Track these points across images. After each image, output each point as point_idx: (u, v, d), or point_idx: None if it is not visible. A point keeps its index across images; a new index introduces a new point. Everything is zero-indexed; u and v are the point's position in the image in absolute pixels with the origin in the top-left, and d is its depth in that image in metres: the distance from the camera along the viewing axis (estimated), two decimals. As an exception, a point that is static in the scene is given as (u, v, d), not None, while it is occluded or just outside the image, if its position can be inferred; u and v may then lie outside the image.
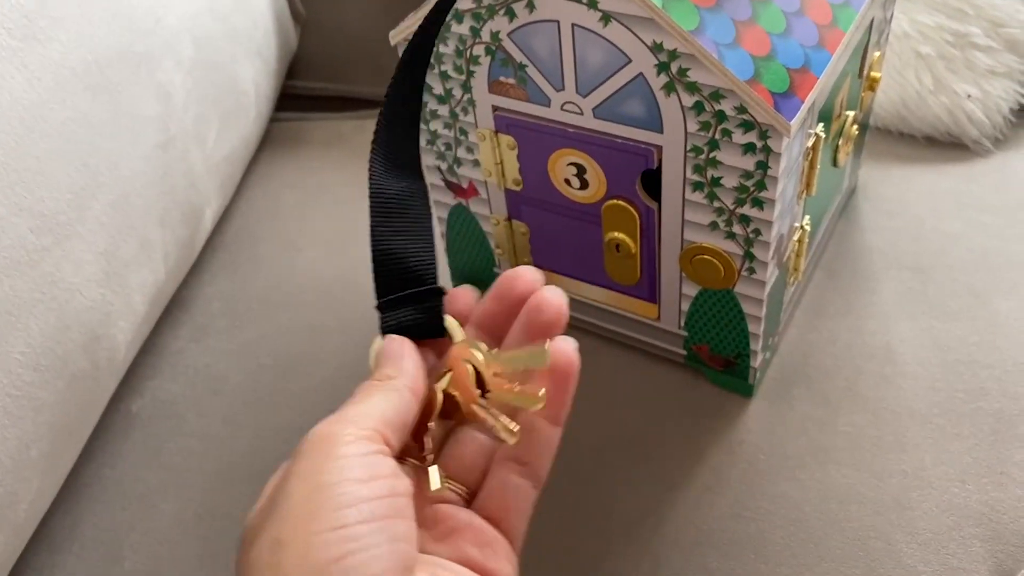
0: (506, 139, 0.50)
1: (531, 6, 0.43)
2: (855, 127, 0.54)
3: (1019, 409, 0.51)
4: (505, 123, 0.49)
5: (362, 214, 0.70)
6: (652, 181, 0.47)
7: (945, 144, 0.68)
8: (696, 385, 0.55)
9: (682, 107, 0.42)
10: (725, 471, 0.50)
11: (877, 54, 0.56)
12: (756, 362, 0.52)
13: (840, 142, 0.53)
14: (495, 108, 0.49)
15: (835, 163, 0.54)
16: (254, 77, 0.73)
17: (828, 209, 0.58)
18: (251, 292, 0.65)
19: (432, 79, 0.50)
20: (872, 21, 0.52)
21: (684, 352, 0.55)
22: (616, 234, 0.50)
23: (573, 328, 0.58)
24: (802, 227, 0.50)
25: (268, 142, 0.80)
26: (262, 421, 0.57)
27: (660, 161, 0.45)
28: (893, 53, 0.68)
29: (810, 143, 0.46)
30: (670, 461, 0.51)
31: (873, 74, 0.56)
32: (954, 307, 0.56)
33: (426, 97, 0.51)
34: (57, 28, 0.50)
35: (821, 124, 0.46)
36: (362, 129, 0.80)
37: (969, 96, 0.66)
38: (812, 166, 0.47)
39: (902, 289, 0.58)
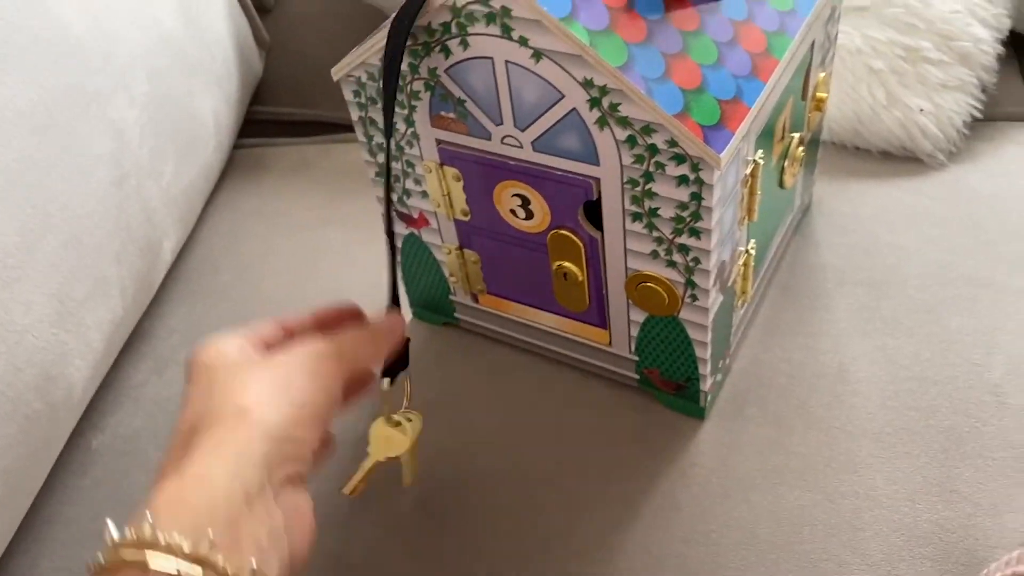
0: (451, 171, 0.50)
1: (465, 43, 0.43)
2: (801, 148, 0.54)
3: (969, 426, 0.51)
4: (449, 156, 0.49)
5: (323, 240, 0.71)
6: (594, 211, 0.47)
7: (900, 158, 0.68)
8: (650, 408, 0.55)
9: (616, 141, 0.42)
10: (678, 494, 0.50)
11: (823, 74, 0.56)
12: (706, 386, 0.52)
13: (786, 164, 0.53)
14: (439, 141, 0.49)
15: (782, 185, 0.54)
16: (213, 107, 0.73)
17: (777, 229, 0.58)
18: (212, 322, 0.65)
19: (375, 113, 0.50)
20: (814, 43, 0.52)
21: (636, 376, 0.55)
22: (563, 263, 0.51)
23: (529, 353, 0.58)
24: (747, 251, 0.51)
25: (232, 169, 0.80)
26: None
27: (599, 192, 0.45)
28: (846, 68, 0.68)
29: (748, 170, 0.46)
30: (623, 485, 0.51)
31: (819, 94, 0.56)
32: (907, 323, 0.57)
33: (371, 131, 0.51)
34: (3, 71, 0.50)
35: (760, 151, 0.47)
36: (327, 154, 0.80)
37: (922, 110, 0.66)
38: (752, 192, 0.47)
39: (855, 306, 0.58)
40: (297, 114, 0.87)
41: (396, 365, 0.48)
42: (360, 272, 0.66)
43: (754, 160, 0.46)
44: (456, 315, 0.60)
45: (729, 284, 0.50)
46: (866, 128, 0.68)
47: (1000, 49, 0.70)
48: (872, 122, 0.67)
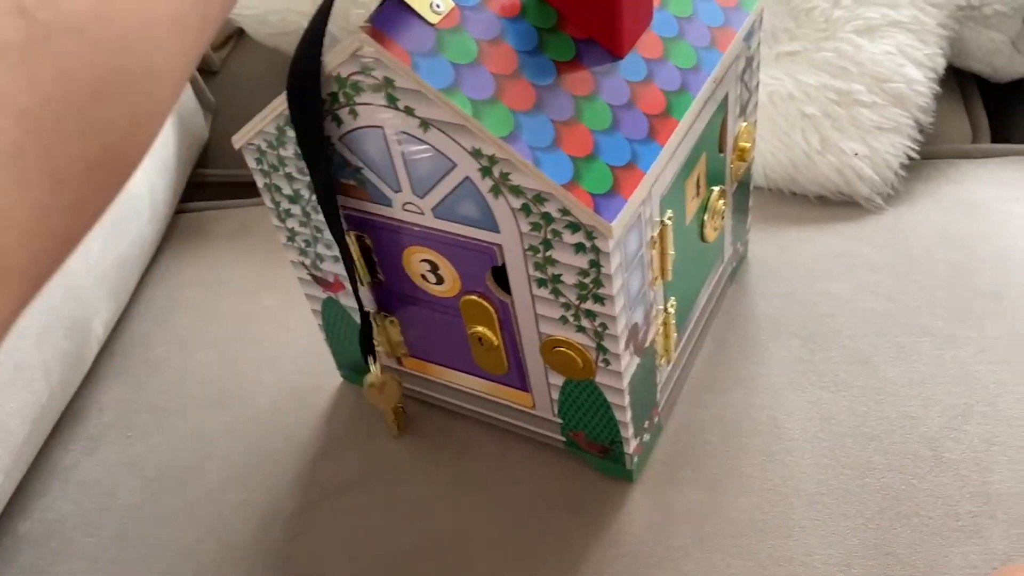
0: (359, 237, 0.49)
1: (354, 113, 0.42)
2: (723, 201, 0.53)
3: (905, 483, 0.50)
4: (355, 222, 0.48)
5: (258, 307, 0.70)
6: (502, 275, 0.46)
7: (837, 202, 0.67)
8: (578, 473, 0.53)
9: (511, 208, 0.41)
10: (607, 566, 0.49)
11: (744, 124, 0.55)
12: (630, 448, 0.50)
13: (706, 218, 0.52)
14: (343, 207, 0.48)
15: (703, 239, 0.53)
16: (148, 181, 0.72)
17: (705, 283, 0.57)
18: (143, 400, 0.64)
19: (279, 180, 0.49)
20: (727, 96, 0.51)
21: (563, 439, 0.53)
22: (477, 328, 0.49)
23: (455, 415, 0.57)
24: (666, 310, 0.49)
25: (174, 235, 0.79)
26: (149, 537, 0.56)
27: (503, 258, 0.44)
28: (779, 114, 0.67)
29: (655, 232, 0.45)
30: (550, 557, 0.50)
31: (742, 144, 0.55)
32: (842, 376, 0.55)
33: (278, 196, 0.50)
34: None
35: (669, 210, 0.46)
36: (267, 216, 0.79)
37: (856, 154, 0.65)
38: (663, 253, 0.46)
39: (790, 358, 0.57)
40: (243, 175, 0.86)
41: None
42: (294, 338, 0.65)
43: (661, 221, 0.45)
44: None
45: (647, 345, 0.48)
46: (801, 174, 0.67)
47: (936, 88, 0.69)
48: (807, 168, 0.67)
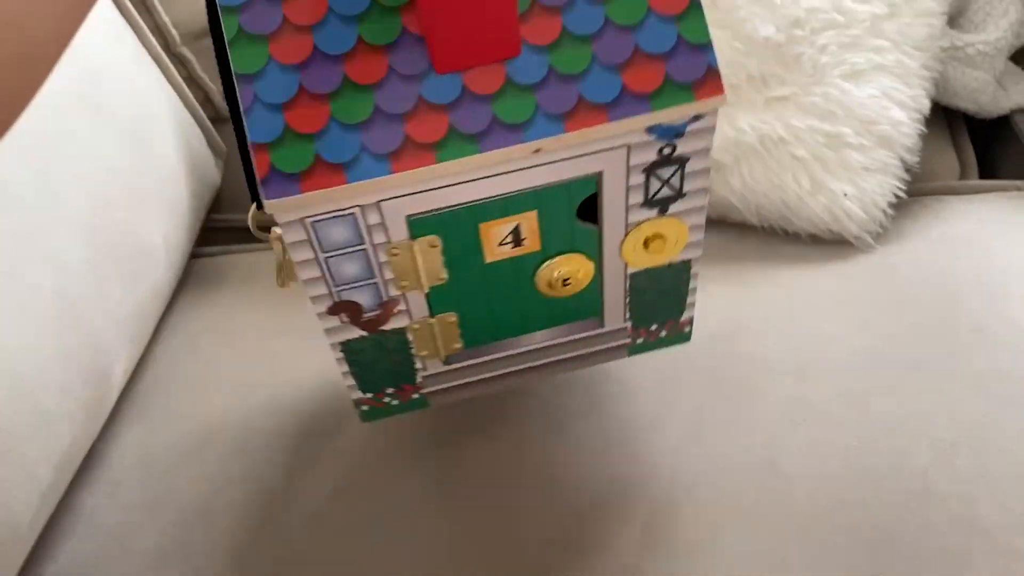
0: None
1: None
2: (561, 270, 0.50)
3: (897, 518, 0.52)
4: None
5: (273, 351, 0.72)
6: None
7: (828, 241, 0.70)
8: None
9: None
10: (612, 602, 0.51)
11: (656, 218, 0.48)
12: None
13: (539, 273, 0.50)
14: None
15: (535, 288, 0.51)
16: (163, 230, 0.75)
17: (539, 326, 0.54)
18: (163, 442, 0.67)
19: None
20: (602, 175, 0.45)
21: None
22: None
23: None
24: (431, 317, 0.50)
25: (188, 281, 0.82)
26: (169, 578, 0.58)
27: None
28: (771, 158, 0.70)
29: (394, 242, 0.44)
30: None
31: (652, 234, 0.49)
32: (835, 411, 0.58)
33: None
34: (-64, 224, 0.52)
35: (433, 236, 0.45)
36: (280, 261, 0.82)
37: (846, 194, 0.68)
38: (414, 266, 0.46)
39: (784, 396, 0.59)
40: (254, 221, 0.89)
41: None
42: (309, 380, 0.68)
43: (408, 239, 0.44)
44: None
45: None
46: (794, 214, 0.70)
47: (921, 129, 0.71)
48: (799, 208, 0.69)
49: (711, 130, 0.43)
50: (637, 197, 0.46)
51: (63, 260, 0.62)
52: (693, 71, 0.40)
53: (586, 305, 0.53)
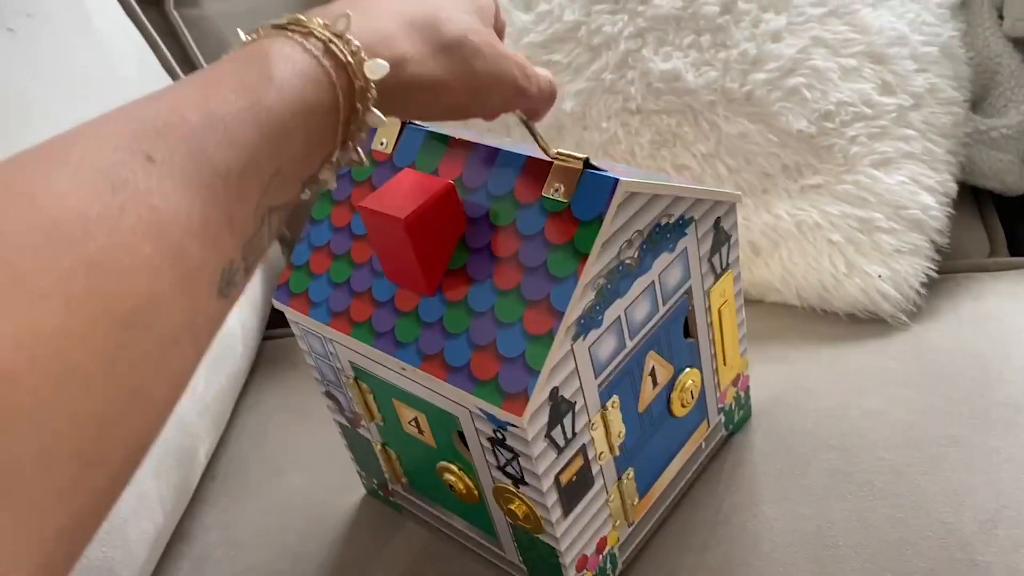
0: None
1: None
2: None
3: (942, 586, 0.55)
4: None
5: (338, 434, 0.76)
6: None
7: (865, 319, 0.74)
8: (645, 585, 0.59)
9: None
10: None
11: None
12: None
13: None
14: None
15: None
16: (240, 316, 0.81)
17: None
18: (244, 520, 0.71)
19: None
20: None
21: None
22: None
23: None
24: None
25: (260, 363, 0.87)
26: (255, 650, 0.62)
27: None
28: (807, 242, 0.74)
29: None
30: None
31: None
32: (879, 485, 0.61)
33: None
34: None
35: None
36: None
37: (880, 276, 0.72)
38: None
39: (830, 470, 0.63)
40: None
41: None
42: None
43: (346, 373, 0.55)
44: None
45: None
46: (831, 295, 0.74)
47: (949, 211, 0.76)
48: (836, 289, 0.73)
49: (527, 442, 0.46)
50: (491, 459, 0.50)
51: (157, 352, 0.67)
52: (514, 385, 0.45)
53: (481, 519, 0.58)
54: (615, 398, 0.51)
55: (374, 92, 0.35)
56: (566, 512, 0.51)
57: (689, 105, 0.77)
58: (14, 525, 0.21)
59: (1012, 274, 0.76)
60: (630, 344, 0.50)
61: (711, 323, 0.56)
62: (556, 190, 0.46)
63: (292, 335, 0.92)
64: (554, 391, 0.46)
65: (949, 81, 0.78)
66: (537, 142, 0.47)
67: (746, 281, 0.78)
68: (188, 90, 0.30)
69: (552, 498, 0.49)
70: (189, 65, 0.92)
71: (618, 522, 0.56)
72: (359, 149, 0.37)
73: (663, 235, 0.49)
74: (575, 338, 0.46)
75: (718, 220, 0.52)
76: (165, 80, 0.84)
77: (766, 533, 0.60)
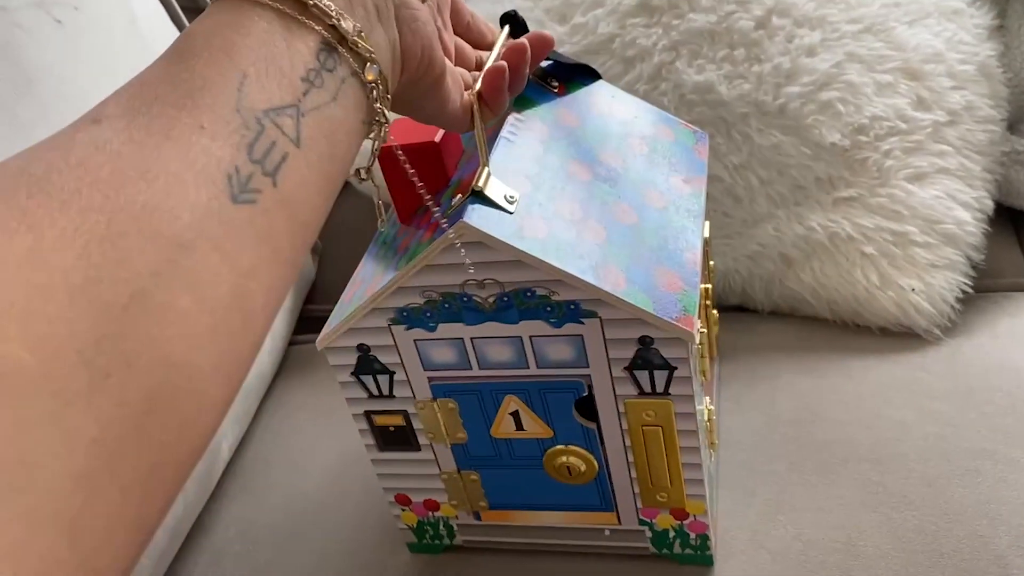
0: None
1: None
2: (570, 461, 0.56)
3: (975, 598, 0.53)
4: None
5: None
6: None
7: (898, 334, 0.72)
8: (668, 588, 0.58)
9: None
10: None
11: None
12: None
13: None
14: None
15: None
16: (268, 315, 0.81)
17: None
18: (264, 517, 0.71)
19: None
20: None
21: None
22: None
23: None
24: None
25: (286, 366, 0.88)
26: (270, 644, 0.61)
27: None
28: (840, 254, 0.74)
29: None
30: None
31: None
32: (911, 497, 0.59)
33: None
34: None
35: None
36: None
37: (914, 289, 0.71)
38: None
39: (861, 480, 0.61)
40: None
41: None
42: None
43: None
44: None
45: None
46: (864, 308, 0.73)
47: (985, 228, 0.75)
48: (869, 302, 0.72)
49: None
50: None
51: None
52: None
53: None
54: (452, 402, 0.54)
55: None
56: (380, 448, 0.58)
57: (722, 117, 0.77)
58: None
59: (1049, 294, 0.75)
60: (478, 371, 0.52)
61: (630, 433, 0.52)
62: (457, 199, 0.48)
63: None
64: (362, 346, 0.53)
65: (986, 100, 0.78)
66: (480, 153, 0.47)
67: (777, 294, 0.78)
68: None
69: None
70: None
71: (455, 502, 0.60)
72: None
73: (537, 304, 0.48)
74: (394, 322, 0.51)
75: (647, 339, 0.47)
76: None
77: (793, 541, 0.58)
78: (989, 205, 0.76)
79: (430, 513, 0.61)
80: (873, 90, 0.75)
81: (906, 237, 0.72)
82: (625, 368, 0.49)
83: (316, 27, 0.34)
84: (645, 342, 0.47)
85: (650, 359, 0.48)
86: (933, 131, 0.75)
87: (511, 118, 0.52)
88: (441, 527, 0.62)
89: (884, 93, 0.75)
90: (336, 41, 0.34)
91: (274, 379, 0.85)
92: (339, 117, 0.34)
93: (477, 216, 0.45)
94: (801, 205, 0.76)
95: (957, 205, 0.73)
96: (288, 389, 0.84)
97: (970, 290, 0.73)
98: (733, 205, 0.78)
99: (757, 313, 0.80)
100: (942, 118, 0.75)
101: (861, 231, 0.73)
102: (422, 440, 0.56)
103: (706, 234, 0.56)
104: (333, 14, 0.34)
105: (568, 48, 0.83)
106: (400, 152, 0.49)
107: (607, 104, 0.59)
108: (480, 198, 0.45)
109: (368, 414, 0.56)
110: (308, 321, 0.94)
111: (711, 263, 0.67)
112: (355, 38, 0.35)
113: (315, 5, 0.34)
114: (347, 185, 1.11)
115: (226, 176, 0.29)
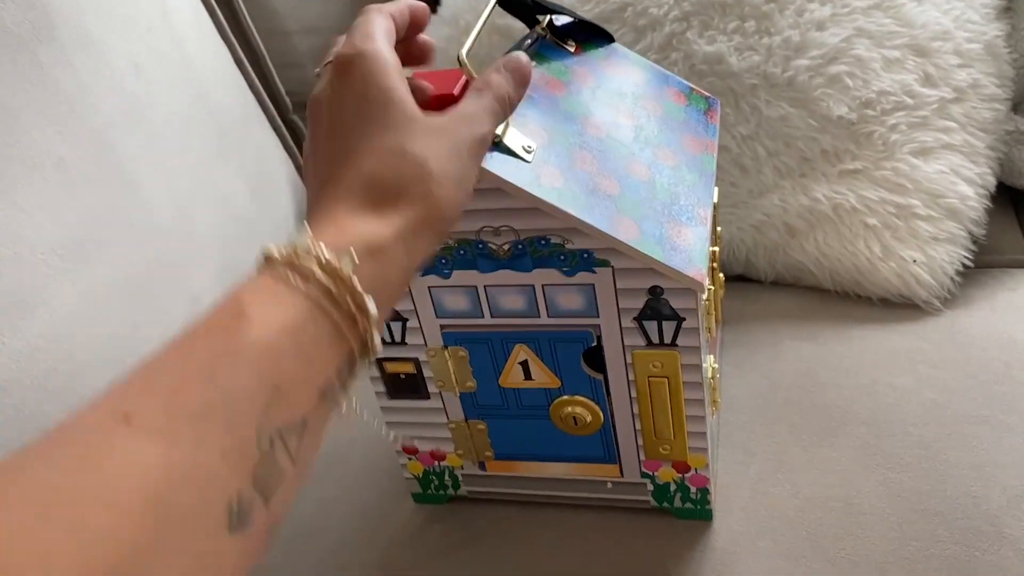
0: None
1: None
2: (577, 411, 0.57)
3: (968, 555, 0.54)
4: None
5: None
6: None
7: (898, 304, 0.74)
8: (660, 540, 0.59)
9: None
10: (695, 624, 0.54)
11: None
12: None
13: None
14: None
15: None
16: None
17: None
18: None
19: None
20: None
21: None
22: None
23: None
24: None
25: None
26: (276, 588, 0.62)
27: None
28: (844, 225, 0.75)
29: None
30: (643, 615, 0.55)
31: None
32: (907, 459, 0.61)
33: None
34: (102, 251, 0.60)
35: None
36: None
37: (915, 261, 0.72)
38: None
39: (859, 443, 0.63)
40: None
41: None
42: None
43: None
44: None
45: None
46: (865, 278, 0.74)
47: (987, 204, 0.76)
48: (870, 273, 0.74)
49: None
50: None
51: (198, 294, 0.69)
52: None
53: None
54: (463, 350, 0.55)
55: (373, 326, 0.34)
56: (390, 395, 0.59)
57: (731, 88, 0.78)
58: None
59: (1048, 270, 0.76)
60: (490, 319, 0.53)
61: (636, 384, 0.54)
62: None
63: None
64: None
65: (992, 78, 0.79)
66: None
67: (780, 263, 0.79)
68: (163, 351, 0.31)
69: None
70: (240, 33, 0.94)
71: (461, 451, 0.61)
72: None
73: (552, 252, 0.49)
74: None
75: (658, 290, 0.48)
76: (216, 42, 0.86)
77: (790, 499, 0.60)
78: (991, 181, 0.77)
79: (436, 463, 0.62)
80: (881, 65, 0.76)
81: (909, 210, 0.73)
82: (634, 319, 0.50)
83: (350, 340, 0.33)
84: (655, 292, 0.48)
85: (659, 309, 0.49)
86: (939, 107, 0.76)
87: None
88: (446, 477, 0.63)
89: (892, 69, 0.76)
90: (359, 352, 0.34)
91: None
92: (330, 419, 0.33)
93: (495, 163, 0.45)
94: (807, 176, 0.77)
95: (960, 180, 0.74)
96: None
97: (970, 264, 0.74)
98: (740, 175, 0.79)
99: (760, 283, 0.81)
100: (948, 95, 0.76)
101: (865, 203, 0.74)
102: (431, 388, 0.58)
103: (715, 199, 0.57)
104: (368, 329, 0.33)
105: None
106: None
107: (622, 66, 0.60)
108: (498, 147, 0.46)
109: (379, 361, 0.57)
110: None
111: (718, 228, 0.69)
112: (376, 346, 0.34)
113: (355, 313, 0.33)
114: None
115: (227, 506, 0.28)
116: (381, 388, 0.59)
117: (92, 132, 0.61)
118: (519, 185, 0.45)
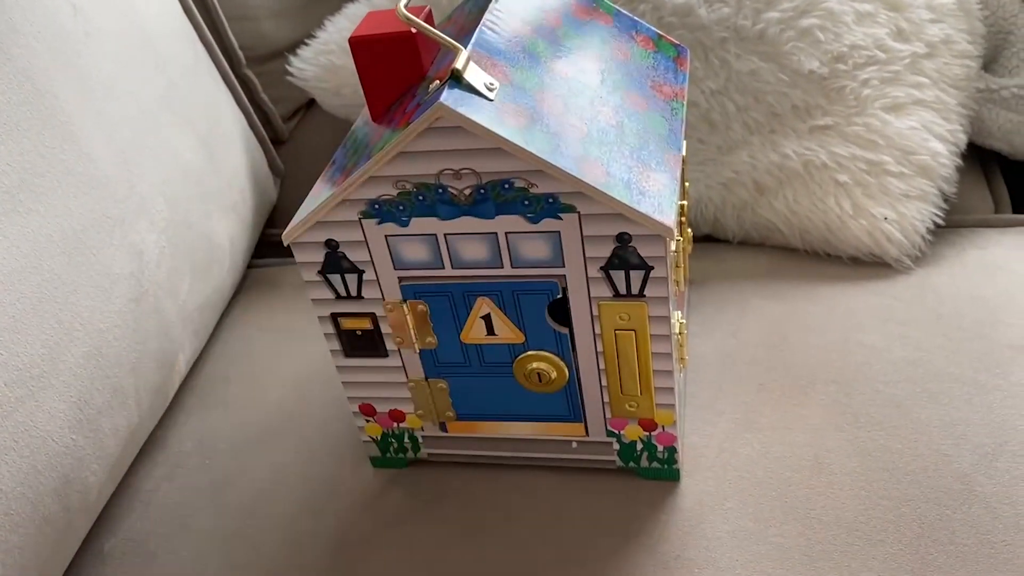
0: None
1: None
2: (541, 367, 0.55)
3: (939, 514, 0.53)
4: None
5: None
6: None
7: (868, 263, 0.72)
8: (629, 496, 0.57)
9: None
10: (661, 586, 0.52)
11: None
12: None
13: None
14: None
15: None
16: (229, 232, 0.78)
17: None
18: (222, 432, 0.69)
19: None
20: None
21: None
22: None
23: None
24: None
25: (246, 288, 0.85)
26: (225, 559, 0.60)
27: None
28: (814, 182, 0.73)
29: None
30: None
31: None
32: (877, 417, 0.60)
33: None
34: (37, 201, 0.56)
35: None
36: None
37: (886, 219, 0.71)
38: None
39: (828, 401, 0.61)
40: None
41: None
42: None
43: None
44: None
45: None
46: (835, 236, 0.72)
47: (958, 162, 0.75)
48: (841, 230, 0.72)
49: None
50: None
51: (142, 250, 0.65)
52: None
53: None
54: (423, 304, 0.53)
55: None
56: (346, 354, 0.56)
57: (700, 41, 0.76)
58: None
59: (1018, 229, 0.75)
60: (451, 270, 0.51)
61: (603, 338, 0.52)
62: (434, 85, 0.46)
63: (280, 264, 0.90)
64: (330, 241, 0.51)
65: (964, 35, 0.77)
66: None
67: (749, 223, 0.77)
68: None
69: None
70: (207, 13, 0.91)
71: (421, 411, 0.59)
72: None
73: (515, 197, 0.46)
74: (365, 216, 0.49)
75: (625, 237, 0.46)
76: (182, 21, 0.81)
77: (760, 460, 0.58)
78: (962, 139, 0.75)
79: (395, 424, 0.60)
80: (853, 19, 0.74)
81: (880, 167, 0.72)
82: (601, 268, 0.48)
83: None
84: (623, 239, 0.46)
85: (627, 258, 0.47)
86: (911, 62, 0.74)
87: (492, 9, 0.50)
88: (406, 439, 0.60)
89: (864, 23, 0.74)
90: None
91: (232, 300, 0.83)
92: None
93: (455, 99, 0.43)
94: (776, 132, 0.75)
95: (932, 137, 0.73)
96: (248, 310, 0.82)
97: (941, 222, 0.73)
98: (708, 131, 0.77)
99: (728, 243, 0.79)
100: (920, 50, 0.75)
101: (836, 159, 0.73)
102: (389, 346, 0.55)
103: (683, 152, 0.54)
104: None
105: (545, -34, 0.80)
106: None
107: (589, 10, 0.58)
108: (459, 83, 0.43)
109: (335, 316, 0.54)
110: (269, 246, 0.92)
111: (687, 184, 0.66)
112: None
113: None
114: (311, 103, 1.08)
115: None
116: (336, 346, 0.56)
117: (22, 73, 0.57)
118: (481, 123, 0.42)
